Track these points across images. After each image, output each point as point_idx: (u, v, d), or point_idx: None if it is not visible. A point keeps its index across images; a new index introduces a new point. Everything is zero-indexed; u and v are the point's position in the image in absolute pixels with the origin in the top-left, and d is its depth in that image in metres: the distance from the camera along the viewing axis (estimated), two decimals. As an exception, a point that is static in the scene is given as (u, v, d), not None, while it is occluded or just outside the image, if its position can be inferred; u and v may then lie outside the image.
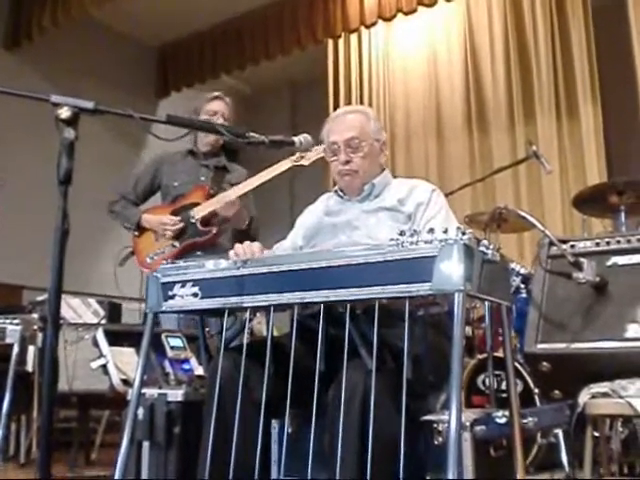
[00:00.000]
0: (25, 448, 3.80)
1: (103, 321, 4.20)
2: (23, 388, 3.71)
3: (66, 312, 4.02)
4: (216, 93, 3.54)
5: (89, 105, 1.67)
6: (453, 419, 1.33)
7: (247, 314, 1.76)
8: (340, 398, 1.64)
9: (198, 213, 3.30)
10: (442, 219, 2.11)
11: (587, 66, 5.30)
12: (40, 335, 3.73)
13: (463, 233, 1.42)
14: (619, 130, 5.19)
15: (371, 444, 1.47)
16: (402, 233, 1.48)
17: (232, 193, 3.24)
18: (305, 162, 3.00)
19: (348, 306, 1.56)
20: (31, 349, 3.77)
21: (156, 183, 3.57)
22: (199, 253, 3.23)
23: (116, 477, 1.76)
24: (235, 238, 3.22)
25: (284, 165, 3.12)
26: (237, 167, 3.59)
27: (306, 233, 2.33)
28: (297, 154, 3.00)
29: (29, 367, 3.75)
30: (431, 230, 1.45)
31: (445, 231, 1.43)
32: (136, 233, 3.49)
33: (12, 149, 5.82)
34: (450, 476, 1.29)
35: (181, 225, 3.32)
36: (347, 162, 2.22)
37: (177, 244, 3.31)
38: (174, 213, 3.38)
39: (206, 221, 3.30)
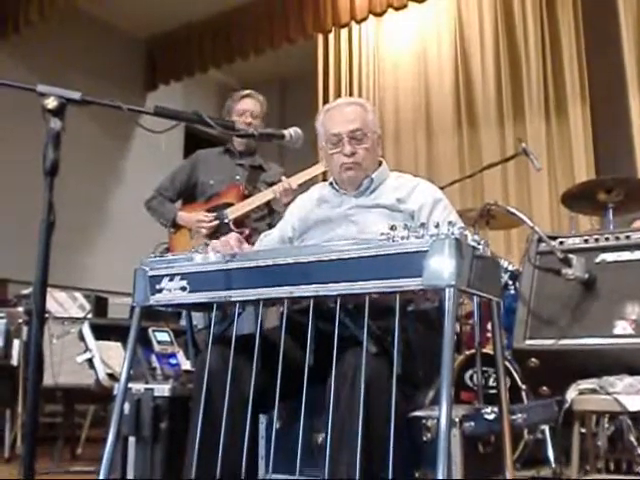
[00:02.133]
0: (10, 443, 3.78)
1: (89, 315, 4.17)
2: (8, 382, 3.69)
3: (52, 306, 3.99)
4: (246, 91, 3.50)
5: (76, 95, 1.65)
6: (443, 416, 1.32)
7: (235, 309, 1.74)
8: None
9: (231, 214, 3.30)
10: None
11: (576, 64, 5.33)
12: (25, 329, 3.70)
13: (454, 228, 1.41)
14: (607, 128, 5.19)
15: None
16: (393, 228, 1.47)
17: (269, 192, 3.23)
18: None
19: (338, 300, 1.55)
20: (16, 343, 3.74)
21: (192, 180, 3.54)
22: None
23: (102, 472, 1.74)
24: None
25: (317, 169, 3.10)
26: (273, 165, 3.56)
27: (298, 225, 2.30)
28: None
29: (14, 361, 3.72)
30: (422, 225, 1.44)
31: (436, 226, 1.42)
32: (172, 230, 3.48)
33: (-2, 141, 5.78)
34: (440, 473, 1.28)
35: (216, 222, 3.31)
36: (352, 154, 2.17)
37: (209, 243, 3.29)
38: (209, 211, 3.37)
39: (239, 222, 3.30)
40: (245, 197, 3.32)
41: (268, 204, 3.31)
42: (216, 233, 3.31)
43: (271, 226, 3.30)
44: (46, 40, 6.10)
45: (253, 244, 3.23)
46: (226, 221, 3.30)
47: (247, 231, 3.27)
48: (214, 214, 3.33)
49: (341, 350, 1.61)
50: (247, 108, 3.42)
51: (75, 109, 1.67)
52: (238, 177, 3.43)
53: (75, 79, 5.62)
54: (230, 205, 3.32)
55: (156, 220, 3.54)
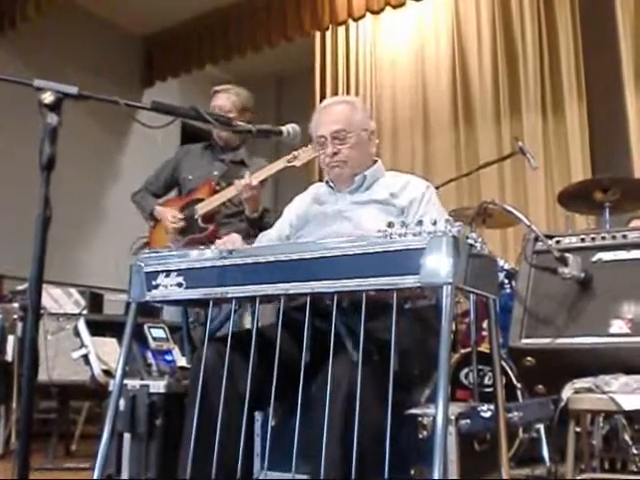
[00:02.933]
0: (4, 439, 3.76)
1: (84, 311, 4.16)
2: (2, 378, 3.68)
3: (47, 302, 3.98)
4: (216, 87, 3.51)
5: (73, 90, 1.64)
6: (440, 413, 1.32)
7: (232, 305, 1.74)
8: (324, 392, 1.63)
9: (201, 210, 3.30)
10: (435, 216, 2.09)
11: (573, 62, 5.34)
12: (20, 324, 3.69)
13: (452, 226, 1.41)
14: (604, 127, 5.19)
15: (356, 437, 1.46)
16: (390, 225, 1.46)
17: (232, 189, 3.21)
18: (297, 163, 3.00)
19: (335, 298, 1.54)
20: (11, 338, 3.73)
21: (176, 175, 3.56)
22: (202, 248, 3.23)
23: (96, 469, 1.74)
24: (248, 225, 3.22)
25: (278, 165, 3.11)
26: (258, 161, 3.50)
27: (295, 221, 2.32)
28: (291, 154, 2.99)
29: (8, 357, 3.71)
30: (419, 222, 1.44)
31: (434, 223, 1.42)
32: (152, 224, 3.51)
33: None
34: (436, 471, 1.28)
35: (182, 224, 3.33)
36: (335, 154, 2.20)
37: (180, 238, 3.32)
38: (183, 207, 3.39)
39: (208, 217, 3.30)
40: (216, 193, 3.32)
41: None
42: (188, 229, 3.33)
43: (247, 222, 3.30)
44: (43, 36, 6.08)
45: (219, 238, 3.26)
46: (196, 217, 3.30)
47: (211, 227, 3.27)
48: (181, 215, 3.35)
49: (335, 351, 1.61)
50: (216, 104, 3.42)
51: (72, 104, 1.66)
52: (216, 173, 3.43)
53: (72, 75, 5.60)
54: (202, 200, 3.33)
55: (140, 213, 3.57)
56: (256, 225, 3.20)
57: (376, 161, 2.33)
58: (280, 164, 3.09)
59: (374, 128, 2.32)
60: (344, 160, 2.21)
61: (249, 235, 3.20)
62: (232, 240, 2.08)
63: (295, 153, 2.98)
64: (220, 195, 3.28)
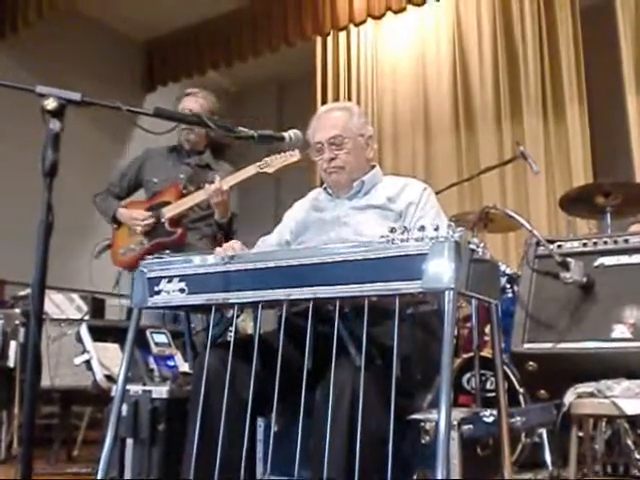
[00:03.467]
0: (6, 444, 3.76)
1: (86, 317, 4.16)
2: (4, 384, 3.68)
3: (49, 307, 3.98)
4: (188, 90, 3.54)
5: (76, 96, 1.64)
6: (443, 418, 1.31)
7: (234, 311, 1.74)
8: (328, 397, 1.62)
9: (167, 213, 3.29)
10: (432, 218, 2.10)
11: (574, 66, 5.34)
12: (22, 330, 3.69)
13: (454, 231, 1.41)
14: (605, 131, 5.22)
15: (359, 443, 1.46)
16: (393, 230, 1.47)
17: (202, 193, 3.21)
18: (269, 170, 3.00)
19: (337, 303, 1.54)
20: (13, 344, 3.73)
21: (139, 178, 3.56)
22: (168, 252, 3.22)
23: (99, 474, 1.74)
24: (216, 229, 3.22)
25: (249, 171, 3.10)
26: (223, 165, 3.52)
27: (295, 228, 2.32)
28: (263, 160, 2.99)
29: (11, 362, 3.71)
30: (422, 227, 1.44)
31: (436, 228, 1.42)
32: (115, 226, 3.50)
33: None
34: (439, 476, 1.28)
35: (151, 221, 3.31)
36: (332, 159, 2.22)
37: (146, 242, 3.31)
38: (149, 209, 3.38)
39: (175, 221, 3.29)
40: (183, 196, 3.32)
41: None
42: (153, 232, 3.34)
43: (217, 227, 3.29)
44: (44, 41, 6.09)
45: (187, 243, 3.26)
46: (162, 220, 3.29)
47: (180, 230, 3.27)
48: (150, 213, 3.34)
49: (337, 356, 1.61)
50: (185, 106, 3.43)
51: (73, 110, 1.66)
52: (182, 176, 3.42)
53: (73, 80, 5.58)
54: (168, 204, 3.32)
55: (102, 216, 3.56)
56: (225, 230, 3.20)
57: (374, 166, 2.33)
58: (251, 170, 3.09)
59: (372, 133, 2.33)
60: (341, 166, 2.22)
61: (215, 240, 3.21)
62: (232, 246, 2.09)
63: (267, 160, 2.99)
64: (189, 199, 3.27)
